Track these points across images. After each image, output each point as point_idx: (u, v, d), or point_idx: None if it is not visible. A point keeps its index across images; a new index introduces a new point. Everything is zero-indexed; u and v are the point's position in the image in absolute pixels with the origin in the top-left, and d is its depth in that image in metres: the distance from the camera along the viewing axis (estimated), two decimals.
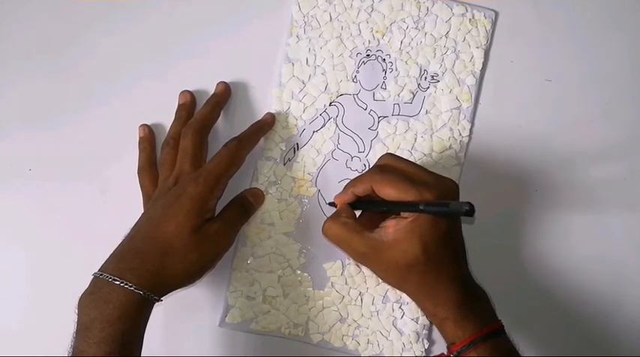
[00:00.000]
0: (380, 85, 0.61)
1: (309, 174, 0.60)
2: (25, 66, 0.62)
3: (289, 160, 0.60)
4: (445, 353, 0.52)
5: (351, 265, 0.60)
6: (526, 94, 0.62)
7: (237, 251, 0.60)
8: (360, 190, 0.52)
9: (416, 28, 0.61)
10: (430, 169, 0.53)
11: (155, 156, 0.60)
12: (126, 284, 0.49)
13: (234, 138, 0.57)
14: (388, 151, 0.59)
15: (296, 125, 0.60)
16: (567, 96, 0.62)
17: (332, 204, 0.55)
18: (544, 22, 0.62)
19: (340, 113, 0.61)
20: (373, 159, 0.60)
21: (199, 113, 0.58)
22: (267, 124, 0.59)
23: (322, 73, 0.60)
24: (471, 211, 0.45)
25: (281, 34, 0.61)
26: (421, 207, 0.48)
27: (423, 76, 0.61)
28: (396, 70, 0.61)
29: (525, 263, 0.61)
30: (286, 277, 0.60)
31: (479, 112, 0.61)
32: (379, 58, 0.61)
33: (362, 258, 0.53)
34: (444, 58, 0.61)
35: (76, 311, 0.49)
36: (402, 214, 0.50)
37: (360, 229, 0.52)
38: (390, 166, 0.52)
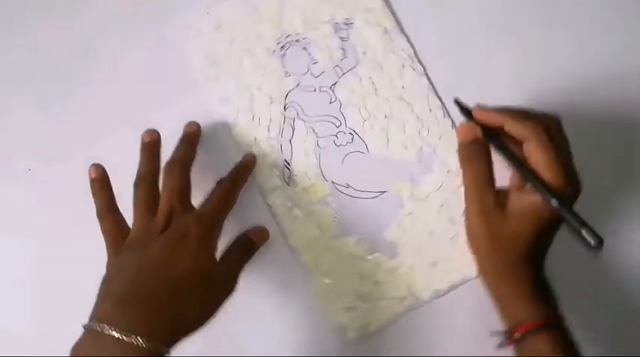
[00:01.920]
0: (311, 63, 0.61)
1: (314, 176, 0.60)
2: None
3: (289, 178, 0.60)
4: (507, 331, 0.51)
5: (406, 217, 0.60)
6: None
7: (310, 283, 0.59)
8: (499, 119, 0.51)
9: None
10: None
11: (114, 196, 0.56)
12: (133, 338, 0.44)
13: (226, 177, 0.56)
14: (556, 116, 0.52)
15: (272, 146, 0.60)
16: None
17: (466, 111, 0.53)
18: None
19: (299, 109, 0.61)
20: (352, 124, 0.60)
21: (180, 150, 0.56)
22: (250, 163, 0.59)
23: (258, 90, 0.61)
24: (597, 247, 0.45)
25: (201, 89, 0.61)
26: (554, 203, 0.47)
27: (338, 28, 0.61)
28: (312, 40, 0.61)
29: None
30: (364, 269, 0.59)
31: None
32: (292, 42, 0.61)
33: (477, 210, 0.51)
34: (343, 2, 0.61)
35: None
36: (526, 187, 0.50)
37: (492, 182, 0.52)
38: (555, 137, 0.49)
